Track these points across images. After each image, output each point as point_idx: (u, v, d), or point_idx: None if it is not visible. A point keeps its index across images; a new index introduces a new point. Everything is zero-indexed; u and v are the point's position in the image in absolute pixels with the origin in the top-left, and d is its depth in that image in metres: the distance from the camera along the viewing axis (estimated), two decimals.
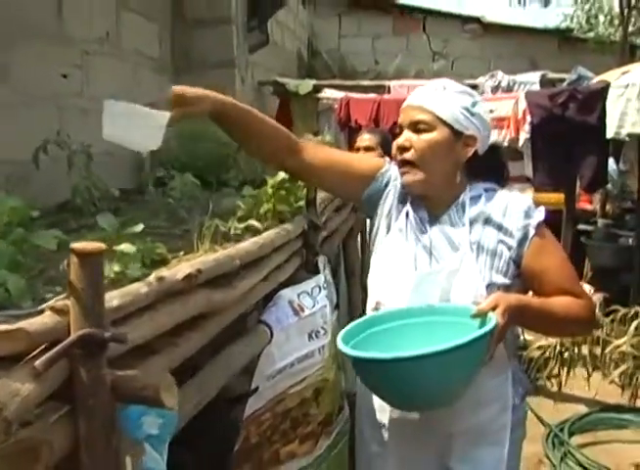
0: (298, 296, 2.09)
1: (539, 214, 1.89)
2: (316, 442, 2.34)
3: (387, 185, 2.00)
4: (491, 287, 1.82)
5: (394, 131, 5.16)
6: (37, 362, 0.86)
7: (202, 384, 1.43)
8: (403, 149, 1.87)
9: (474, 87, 6.14)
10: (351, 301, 3.43)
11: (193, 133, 3.75)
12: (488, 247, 1.86)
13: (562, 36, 10.15)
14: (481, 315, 1.67)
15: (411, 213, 1.94)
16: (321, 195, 2.70)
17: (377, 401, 2.00)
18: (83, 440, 0.95)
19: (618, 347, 4.36)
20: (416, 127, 1.85)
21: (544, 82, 6.10)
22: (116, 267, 1.19)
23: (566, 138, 5.00)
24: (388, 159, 2.12)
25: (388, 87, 6.37)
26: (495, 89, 6.12)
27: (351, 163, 2.06)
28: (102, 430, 0.95)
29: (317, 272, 2.37)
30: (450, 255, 1.88)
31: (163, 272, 1.25)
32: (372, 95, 6.07)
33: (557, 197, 5.78)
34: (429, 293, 1.84)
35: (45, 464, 0.90)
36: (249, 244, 1.69)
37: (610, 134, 4.85)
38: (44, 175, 2.50)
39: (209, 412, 2.04)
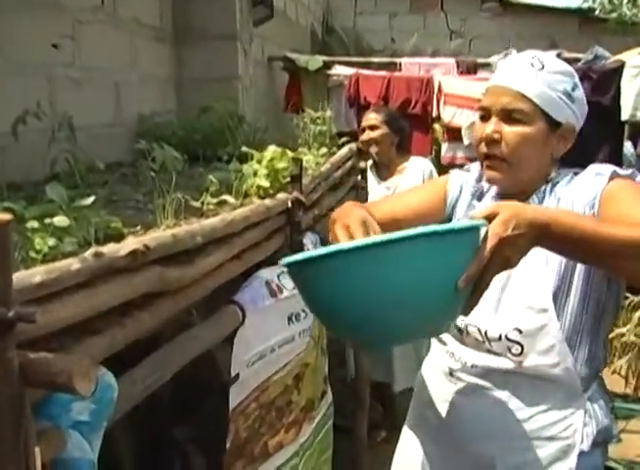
0: (278, 276, 2.00)
1: (620, 170, 1.54)
2: (300, 428, 2.27)
3: (461, 189, 1.78)
4: (564, 282, 1.54)
5: (404, 109, 5.04)
6: None
7: (154, 367, 1.34)
8: (492, 141, 1.58)
9: (486, 66, 6.05)
10: None
11: (195, 107, 3.69)
12: None
13: (583, 16, 9.93)
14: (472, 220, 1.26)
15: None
16: (313, 172, 2.61)
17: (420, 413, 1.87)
18: None
19: (623, 335, 4.24)
20: (509, 117, 1.56)
21: None
22: (51, 242, 1.10)
23: None
24: (453, 172, 1.92)
25: (400, 65, 6.24)
26: None
27: (418, 194, 1.83)
28: (8, 417, 0.87)
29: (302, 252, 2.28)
30: None
31: (106, 248, 1.16)
32: (382, 72, 5.94)
33: None
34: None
35: None
36: (215, 220, 1.60)
37: (625, 116, 4.71)
38: (28, 148, 2.42)
39: (204, 402, 1.98)
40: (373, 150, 3.77)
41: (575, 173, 1.63)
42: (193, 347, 1.52)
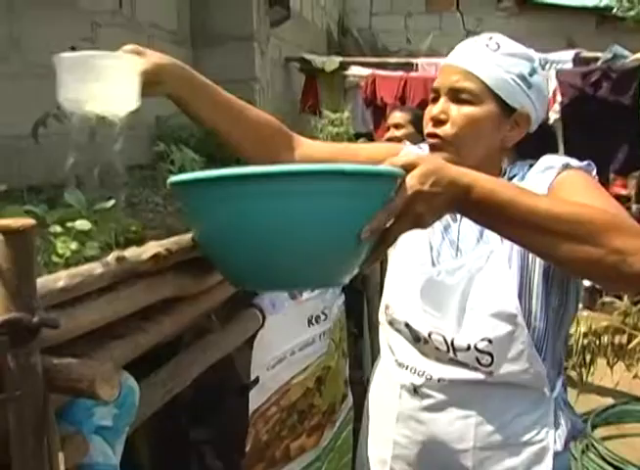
0: None
1: (577, 162, 1.45)
2: (322, 433, 2.26)
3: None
4: (524, 284, 1.47)
5: (421, 110, 5.02)
6: None
7: (175, 371, 1.34)
8: (438, 121, 1.50)
9: None
10: (366, 286, 3.32)
11: None
12: None
13: (600, 15, 9.86)
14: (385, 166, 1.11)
15: None
16: None
17: (381, 433, 1.76)
18: (12, 432, 0.87)
19: None
20: (457, 97, 1.48)
21: (578, 61, 5.89)
22: (73, 246, 1.10)
23: (598, 119, 4.83)
24: (407, 142, 1.82)
25: (417, 65, 6.23)
26: None
27: (360, 152, 1.67)
28: (32, 423, 0.87)
29: None
30: (477, 248, 1.53)
31: (128, 252, 1.16)
32: (399, 73, 5.93)
33: None
34: (446, 296, 1.53)
35: None
36: None
37: None
38: (48, 150, 2.43)
39: (222, 404, 1.98)
40: None
41: (531, 165, 1.54)
42: (213, 351, 1.51)
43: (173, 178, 1.10)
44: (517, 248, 1.45)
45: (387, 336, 1.75)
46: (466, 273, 1.50)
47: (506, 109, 1.47)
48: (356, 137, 3.63)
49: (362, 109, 5.87)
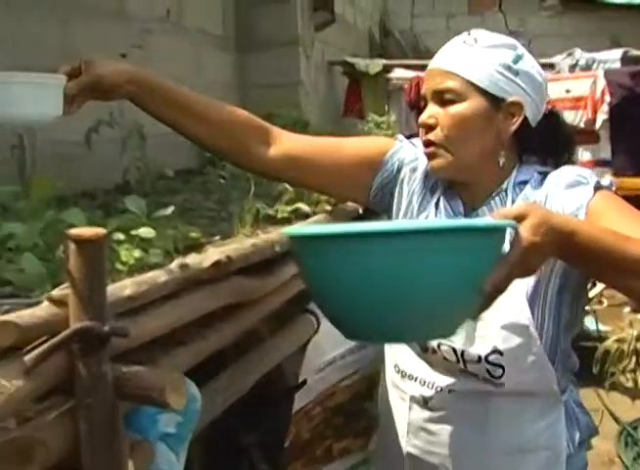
0: None
1: (601, 180, 1.44)
2: (370, 436, 2.25)
3: (399, 170, 1.59)
4: (538, 296, 1.43)
5: None
6: (26, 358, 0.79)
7: (234, 378, 1.34)
8: (428, 127, 1.47)
9: (550, 66, 5.93)
10: None
11: (258, 113, 3.70)
12: None
13: None
14: (497, 219, 1.16)
15: (442, 205, 1.54)
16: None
17: (394, 446, 1.69)
18: (82, 439, 0.87)
19: None
20: (442, 98, 1.45)
21: (626, 60, 5.79)
22: (137, 254, 1.11)
23: None
24: (400, 137, 1.75)
25: None
26: (573, 68, 5.84)
27: (344, 147, 1.63)
28: (102, 430, 0.88)
29: None
30: None
31: (189, 259, 1.16)
32: None
33: None
34: None
35: (40, 465, 0.83)
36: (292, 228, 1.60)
37: None
38: (98, 157, 2.46)
39: (270, 408, 1.98)
40: None
41: (539, 173, 1.50)
42: (271, 357, 1.51)
43: (291, 231, 1.14)
44: None
45: (392, 346, 1.70)
46: None
47: (494, 101, 1.45)
48: None
49: (406, 112, 5.83)
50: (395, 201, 1.61)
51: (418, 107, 6.00)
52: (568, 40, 9.17)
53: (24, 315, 0.80)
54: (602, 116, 5.02)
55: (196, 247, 1.37)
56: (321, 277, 1.10)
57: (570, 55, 6.03)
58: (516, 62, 1.46)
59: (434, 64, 1.50)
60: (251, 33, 4.02)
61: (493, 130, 1.47)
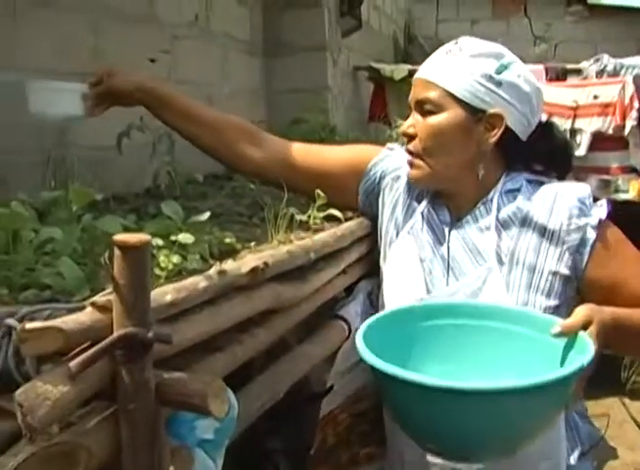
0: (378, 287, 1.98)
1: (600, 210, 1.42)
2: None
3: (382, 178, 1.61)
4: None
5: None
6: (72, 364, 0.79)
7: (268, 384, 1.34)
8: (409, 137, 1.48)
9: (577, 72, 5.89)
10: None
11: (285, 118, 3.71)
12: (525, 258, 1.40)
13: None
14: (567, 334, 1.17)
15: (428, 214, 1.53)
16: None
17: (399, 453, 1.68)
18: (124, 445, 0.87)
19: None
20: (422, 108, 1.46)
21: None
22: (175, 259, 1.11)
23: None
24: (391, 145, 1.75)
25: None
26: (600, 74, 5.78)
27: (336, 153, 1.68)
28: (143, 436, 0.87)
29: None
30: (472, 269, 1.44)
31: (227, 265, 1.16)
32: None
33: None
34: None
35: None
36: (325, 235, 1.59)
37: None
38: (129, 161, 2.47)
39: (295, 414, 1.98)
40: None
41: (529, 181, 1.48)
42: (303, 363, 1.51)
43: (378, 364, 1.12)
44: (516, 269, 1.39)
45: None
46: (463, 296, 1.43)
47: (473, 112, 1.43)
48: None
49: None
50: (380, 209, 1.64)
51: None
52: (594, 45, 9.11)
53: (69, 321, 0.81)
54: (631, 122, 4.96)
55: (231, 252, 1.37)
56: (408, 412, 1.15)
57: (597, 61, 5.97)
58: (500, 72, 1.44)
59: (418, 73, 1.52)
60: (278, 38, 4.03)
61: (472, 142, 1.45)
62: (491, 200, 1.47)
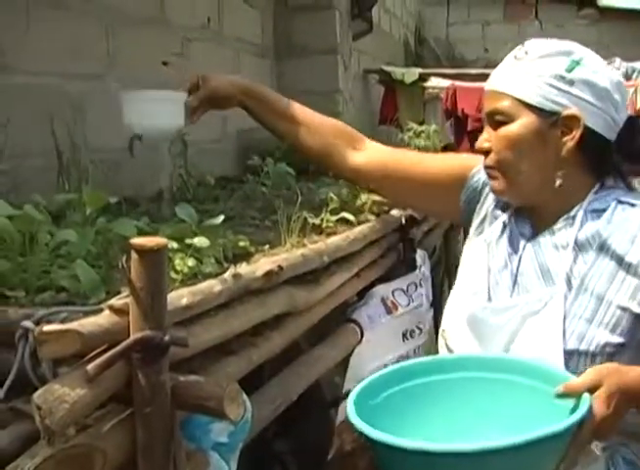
0: (393, 293, 1.98)
1: None
2: None
3: (483, 187, 1.52)
4: (583, 346, 1.26)
5: None
6: (89, 367, 0.79)
7: (282, 387, 1.34)
8: (485, 152, 1.39)
9: None
10: None
11: None
12: (595, 286, 1.27)
13: None
14: (570, 395, 1.08)
15: (510, 225, 1.43)
16: None
17: None
18: (140, 448, 0.87)
19: None
20: (494, 120, 1.36)
21: None
22: (190, 262, 1.11)
23: None
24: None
25: None
26: None
27: (436, 161, 1.62)
28: (159, 439, 0.88)
29: (414, 268, 2.24)
30: (538, 289, 1.33)
31: (241, 268, 1.16)
32: (480, 84, 5.85)
33: None
34: (491, 335, 1.34)
35: None
36: (338, 239, 1.59)
37: None
38: (141, 164, 2.48)
39: (304, 417, 1.98)
40: None
41: (620, 202, 1.33)
42: (317, 366, 1.51)
43: (372, 435, 1.06)
44: (583, 296, 1.28)
45: None
46: (517, 315, 1.32)
47: (547, 116, 1.32)
48: (444, 149, 3.57)
49: (442, 120, 5.80)
50: (474, 217, 1.55)
51: (455, 115, 5.97)
52: (606, 49, 9.06)
53: (87, 324, 0.81)
54: None
55: (245, 256, 1.37)
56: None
57: (609, 64, 5.94)
58: (571, 69, 1.32)
59: (486, 85, 1.42)
60: (289, 41, 4.03)
61: (550, 148, 1.34)
62: (574, 217, 1.35)
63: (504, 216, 1.46)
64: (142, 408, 0.87)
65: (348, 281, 1.66)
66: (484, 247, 1.44)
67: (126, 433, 0.88)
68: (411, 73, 6.03)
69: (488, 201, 1.52)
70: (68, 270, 1.14)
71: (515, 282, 1.37)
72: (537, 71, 1.32)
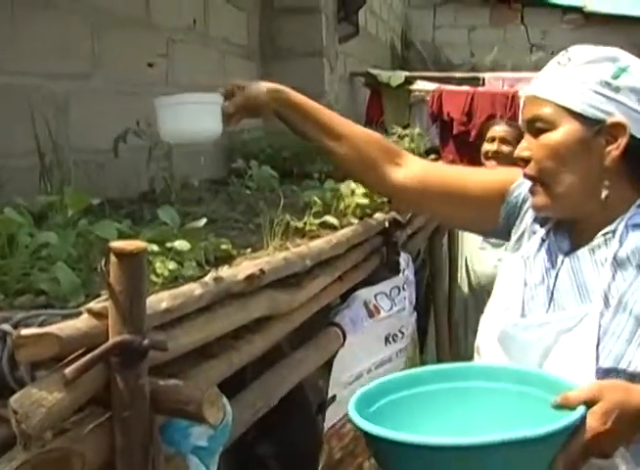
0: (375, 296, 1.98)
1: None
2: None
3: (523, 202, 1.47)
4: (622, 365, 1.20)
5: (488, 126, 4.62)
6: (67, 370, 0.79)
7: (263, 390, 1.34)
8: (523, 161, 1.34)
9: None
10: (435, 302, 3.29)
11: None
12: (634, 305, 1.21)
13: None
14: (566, 407, 1.06)
15: (547, 239, 1.38)
16: None
17: None
18: (119, 452, 0.87)
19: None
20: (534, 128, 1.31)
21: None
22: (171, 266, 1.11)
23: None
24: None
25: (483, 80, 6.16)
26: None
27: (476, 176, 1.58)
28: (138, 443, 0.87)
29: (398, 272, 2.24)
30: (574, 306, 1.29)
31: (223, 272, 1.16)
32: (465, 87, 5.88)
33: None
34: (522, 351, 1.30)
35: None
36: (321, 242, 1.59)
37: None
38: (125, 165, 2.47)
39: (288, 421, 1.98)
40: (491, 164, 3.25)
41: None
42: (298, 369, 1.51)
43: (373, 430, 1.06)
44: (621, 315, 1.23)
45: None
46: (551, 331, 1.28)
47: (591, 124, 1.27)
48: (427, 153, 3.58)
49: (427, 124, 5.82)
50: (512, 233, 1.51)
51: (440, 119, 5.98)
52: None
53: (65, 327, 0.80)
54: None
55: (227, 259, 1.37)
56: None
57: None
58: (617, 76, 1.27)
59: (526, 90, 1.37)
60: (275, 44, 4.04)
61: (593, 158, 1.28)
62: (614, 232, 1.29)
63: (542, 231, 1.41)
64: (121, 412, 0.86)
65: (331, 284, 1.66)
66: (522, 262, 1.40)
67: (105, 437, 0.88)
68: (397, 77, 6.04)
69: (527, 216, 1.47)
70: (48, 273, 1.13)
71: (551, 298, 1.34)
72: (582, 78, 1.28)
